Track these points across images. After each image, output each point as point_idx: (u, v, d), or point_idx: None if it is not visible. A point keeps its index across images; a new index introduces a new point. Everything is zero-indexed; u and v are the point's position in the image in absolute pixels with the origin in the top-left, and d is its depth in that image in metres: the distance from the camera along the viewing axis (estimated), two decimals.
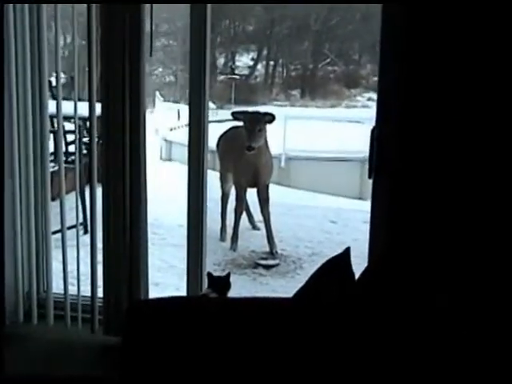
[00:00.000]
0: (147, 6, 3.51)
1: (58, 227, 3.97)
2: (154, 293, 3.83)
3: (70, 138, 6.00)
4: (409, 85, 2.96)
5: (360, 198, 8.30)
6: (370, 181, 3.21)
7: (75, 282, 3.94)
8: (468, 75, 2.87)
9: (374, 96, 3.24)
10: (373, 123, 3.15)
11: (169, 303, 2.76)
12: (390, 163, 3.06)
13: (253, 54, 14.36)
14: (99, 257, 3.77)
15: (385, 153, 3.10)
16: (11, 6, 3.65)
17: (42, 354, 3.73)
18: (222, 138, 7.28)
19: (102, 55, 3.52)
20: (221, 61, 14.16)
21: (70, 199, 4.04)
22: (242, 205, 6.94)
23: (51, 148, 4.09)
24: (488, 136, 2.87)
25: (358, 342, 2.22)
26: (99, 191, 3.68)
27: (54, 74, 3.88)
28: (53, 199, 4.02)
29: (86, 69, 3.67)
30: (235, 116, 6.80)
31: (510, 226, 2.85)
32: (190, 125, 3.70)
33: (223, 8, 12.19)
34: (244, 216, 7.07)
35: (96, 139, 3.76)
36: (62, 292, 3.93)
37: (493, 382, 2.07)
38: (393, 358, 2.14)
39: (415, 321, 2.18)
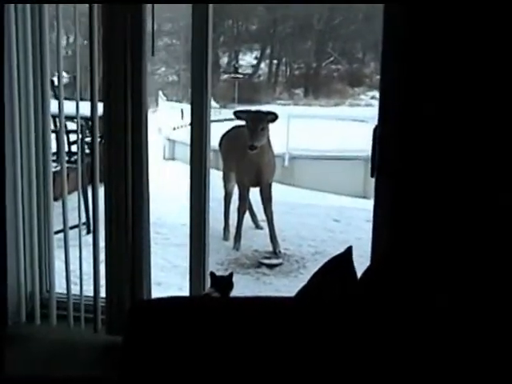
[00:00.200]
0: (149, 5, 3.52)
1: (61, 227, 3.97)
2: (156, 292, 3.83)
3: (73, 137, 6.00)
4: (411, 84, 2.95)
5: (364, 197, 8.29)
6: (373, 179, 3.21)
7: (78, 281, 3.94)
8: (470, 75, 2.86)
9: (378, 94, 3.24)
10: (376, 122, 3.14)
11: (171, 303, 2.75)
12: (393, 162, 3.06)
13: (256, 53, 14.37)
14: (102, 256, 3.77)
15: (387, 151, 3.09)
16: (13, 5, 3.65)
17: (45, 355, 3.73)
18: (225, 137, 7.29)
19: (104, 55, 3.52)
20: (224, 60, 14.17)
21: (73, 199, 4.04)
22: (244, 204, 6.94)
23: (53, 148, 4.08)
24: (489, 135, 2.87)
25: (359, 341, 2.22)
26: (101, 191, 3.68)
27: (57, 74, 3.88)
28: (55, 199, 4.02)
29: (89, 68, 3.68)
30: (237, 115, 6.79)
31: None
32: (192, 124, 3.70)
33: (226, 7, 12.21)
34: (247, 215, 7.07)
35: (98, 139, 3.76)
36: (65, 292, 3.93)
37: (493, 381, 2.07)
38: (395, 358, 2.14)
39: (417, 320, 2.18)
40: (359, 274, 2.47)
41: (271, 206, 6.80)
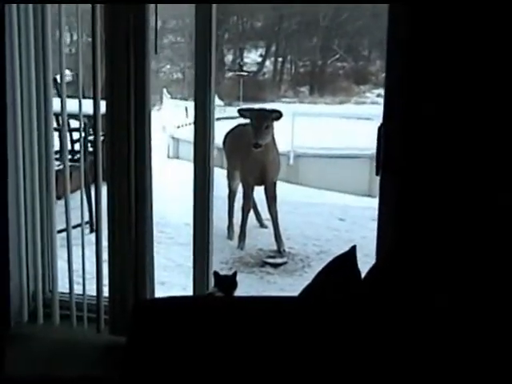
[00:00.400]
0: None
1: (63, 226, 3.97)
2: (160, 292, 3.84)
3: (76, 135, 6.00)
4: (416, 82, 2.95)
5: (369, 195, 8.28)
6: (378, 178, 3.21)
7: (81, 281, 3.95)
8: (476, 73, 2.86)
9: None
10: (381, 120, 3.14)
11: (174, 302, 2.76)
12: (398, 160, 3.05)
13: (261, 51, 14.36)
14: (105, 256, 3.78)
15: (392, 150, 3.09)
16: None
17: (47, 355, 3.73)
18: (229, 135, 7.28)
19: (107, 52, 3.53)
20: (229, 57, 14.16)
21: (75, 198, 4.04)
22: (249, 203, 6.93)
23: (56, 146, 4.09)
24: (495, 133, 2.86)
25: (363, 341, 2.21)
26: (104, 190, 3.69)
27: (60, 72, 3.88)
28: (58, 198, 4.03)
29: (91, 66, 3.68)
30: (242, 113, 6.79)
31: None
32: (195, 122, 3.70)
33: (231, 4, 12.19)
34: (251, 214, 7.06)
35: (101, 137, 3.76)
36: (68, 291, 3.94)
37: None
38: (399, 358, 2.13)
39: (422, 320, 2.17)
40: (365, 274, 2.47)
41: (276, 204, 6.80)
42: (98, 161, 3.77)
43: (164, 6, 3.69)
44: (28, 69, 3.74)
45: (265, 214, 7.08)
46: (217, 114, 3.82)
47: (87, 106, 3.84)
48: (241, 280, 3.57)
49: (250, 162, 6.73)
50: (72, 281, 3.93)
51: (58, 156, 4.15)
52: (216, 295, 3.41)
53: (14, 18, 3.66)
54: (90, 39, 3.66)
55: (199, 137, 3.69)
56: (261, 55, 14.36)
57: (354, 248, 2.49)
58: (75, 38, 4.15)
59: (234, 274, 3.56)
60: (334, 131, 10.45)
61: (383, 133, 3.12)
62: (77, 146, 5.98)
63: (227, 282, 3.51)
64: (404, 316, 2.20)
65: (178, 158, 11.17)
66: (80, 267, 3.95)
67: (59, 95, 4.00)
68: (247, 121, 6.69)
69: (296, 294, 2.58)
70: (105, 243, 3.75)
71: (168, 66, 14.56)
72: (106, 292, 3.78)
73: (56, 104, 3.88)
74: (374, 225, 3.24)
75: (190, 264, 3.85)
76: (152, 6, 3.54)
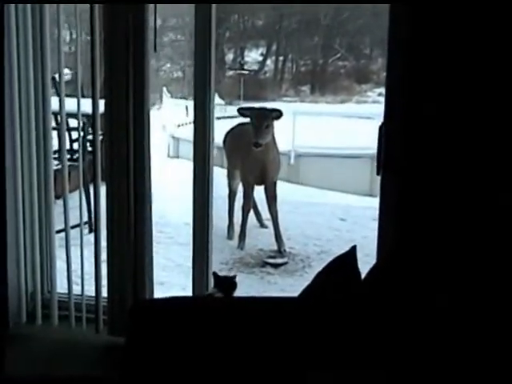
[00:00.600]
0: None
1: (62, 226, 3.97)
2: (159, 292, 3.84)
3: (75, 135, 6.01)
4: (417, 81, 2.95)
5: (370, 195, 8.27)
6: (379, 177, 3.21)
7: (79, 281, 3.95)
8: (478, 72, 2.86)
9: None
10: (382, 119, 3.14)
11: (173, 303, 2.75)
12: (399, 160, 3.05)
13: (262, 49, 14.35)
14: (103, 256, 3.77)
15: (393, 149, 3.09)
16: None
17: (46, 355, 3.73)
18: (229, 134, 7.27)
19: (106, 51, 3.53)
20: (229, 56, 14.15)
21: (74, 198, 4.03)
22: (249, 202, 6.92)
23: (55, 145, 4.08)
24: (496, 133, 2.86)
25: (363, 342, 2.21)
26: (103, 189, 3.68)
27: (58, 70, 3.88)
28: (56, 198, 4.02)
29: (90, 65, 3.67)
30: (242, 112, 6.77)
31: None
32: (195, 121, 3.70)
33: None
34: (251, 214, 7.05)
35: (100, 136, 3.76)
36: (66, 292, 3.94)
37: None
38: (399, 359, 2.13)
39: (423, 321, 2.17)
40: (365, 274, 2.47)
41: (276, 204, 6.79)
42: (97, 160, 3.77)
43: (163, 5, 3.68)
44: (26, 67, 3.73)
45: (265, 214, 7.07)
46: (217, 113, 3.82)
47: (86, 105, 3.83)
48: (241, 280, 3.57)
49: (250, 162, 6.73)
50: (71, 281, 3.93)
51: (56, 155, 4.15)
52: (216, 296, 3.41)
53: (12, 16, 3.65)
54: (89, 38, 3.66)
55: (199, 136, 3.69)
56: (262, 54, 14.35)
57: (354, 248, 2.49)
58: (74, 36, 4.14)
59: (234, 276, 3.55)
60: (335, 130, 10.44)
61: (384, 132, 3.12)
62: (75, 146, 5.98)
63: (227, 283, 3.51)
64: (405, 317, 2.20)
65: (178, 157, 11.16)
66: (79, 267, 3.95)
67: (58, 94, 3.99)
68: (248, 120, 6.68)
69: (297, 294, 2.57)
70: (104, 243, 3.75)
71: (168, 65, 14.55)
72: (104, 292, 3.78)
73: (55, 103, 3.88)
74: (376, 225, 3.24)
75: (190, 264, 3.84)
76: (151, 4, 3.54)
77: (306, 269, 6.25)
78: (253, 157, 6.62)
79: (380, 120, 3.15)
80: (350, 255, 2.48)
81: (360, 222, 7.41)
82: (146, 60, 3.47)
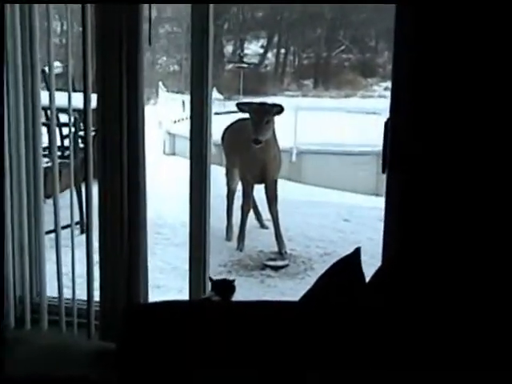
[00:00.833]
0: None
1: (52, 227, 3.97)
2: (155, 296, 3.84)
3: (65, 131, 6.00)
4: (425, 74, 2.94)
5: (376, 195, 8.27)
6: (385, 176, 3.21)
7: (70, 284, 3.95)
8: (490, 67, 2.86)
9: None
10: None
11: (169, 307, 2.75)
12: (405, 157, 3.05)
13: (263, 42, 14.36)
14: (96, 258, 3.77)
15: (400, 146, 3.08)
16: None
17: (34, 361, 3.72)
18: (228, 130, 7.25)
19: (98, 43, 3.52)
20: (228, 48, 14.17)
21: (65, 197, 4.04)
22: (249, 202, 6.92)
23: (45, 142, 4.08)
24: (508, 130, 2.86)
25: (366, 348, 2.21)
26: (96, 188, 3.68)
27: (48, 63, 3.88)
28: (46, 197, 4.02)
29: (82, 57, 3.67)
30: (241, 107, 6.74)
31: None
32: (192, 117, 3.70)
33: None
34: (251, 214, 7.05)
35: (92, 133, 3.76)
36: (57, 295, 3.94)
37: None
38: (403, 365, 2.13)
39: (428, 326, 2.17)
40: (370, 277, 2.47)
41: (277, 204, 6.78)
42: (89, 157, 3.77)
43: None
44: (14, 60, 3.73)
45: (265, 214, 7.07)
46: (215, 109, 3.82)
47: (77, 100, 3.84)
48: (239, 283, 3.57)
49: (249, 159, 6.72)
50: (61, 284, 3.94)
51: (46, 152, 4.15)
52: (213, 300, 3.41)
53: None
54: (80, 29, 3.65)
55: (196, 132, 3.69)
56: (262, 46, 14.37)
57: (358, 250, 2.49)
58: (65, 27, 4.14)
59: (233, 280, 3.55)
60: (339, 126, 10.45)
61: (390, 128, 3.11)
62: (66, 142, 5.97)
63: (225, 286, 3.50)
64: (410, 322, 2.20)
65: (174, 154, 11.18)
66: (69, 270, 3.96)
67: (48, 88, 4.00)
68: (248, 115, 6.67)
69: (298, 298, 2.57)
70: (96, 244, 3.75)
71: (164, 58, 14.57)
72: (96, 296, 3.78)
73: (44, 97, 3.88)
74: (382, 226, 3.24)
75: (187, 266, 3.85)
76: None
77: (307, 272, 6.24)
78: (252, 154, 6.61)
79: (386, 115, 3.15)
80: (354, 257, 2.47)
81: (365, 223, 7.41)
82: (141, 53, 3.48)
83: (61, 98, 3.96)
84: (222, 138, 7.26)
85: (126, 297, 3.66)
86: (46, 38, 3.79)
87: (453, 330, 2.17)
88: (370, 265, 2.53)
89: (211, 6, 3.58)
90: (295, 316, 2.46)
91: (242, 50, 14.17)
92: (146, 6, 3.54)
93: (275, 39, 14.42)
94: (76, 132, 5.39)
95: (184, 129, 8.99)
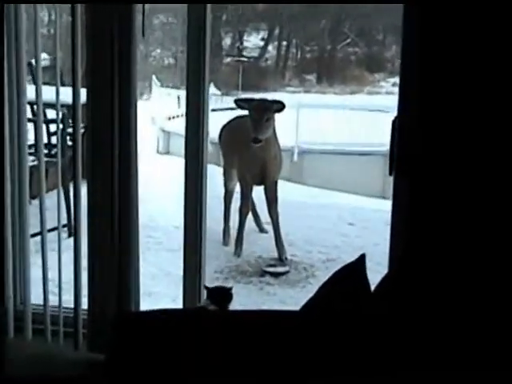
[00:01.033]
0: None
1: (38, 229, 3.97)
2: (146, 304, 3.83)
3: (53, 127, 6.00)
4: (435, 70, 2.94)
5: (383, 197, 8.28)
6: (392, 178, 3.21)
7: (56, 291, 3.94)
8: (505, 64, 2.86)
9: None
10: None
11: (161, 316, 2.75)
12: (414, 158, 3.05)
13: (263, 34, 14.36)
14: (84, 263, 3.77)
15: (408, 146, 3.09)
16: None
17: (18, 373, 3.72)
18: (225, 128, 7.25)
19: (89, 34, 3.52)
20: (227, 41, 14.16)
21: (52, 197, 4.04)
22: (247, 204, 6.92)
23: (30, 139, 4.08)
24: None
25: (371, 359, 2.21)
26: (84, 188, 3.68)
27: (35, 55, 3.87)
28: (32, 197, 4.02)
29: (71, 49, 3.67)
30: (239, 104, 6.74)
31: None
32: (187, 114, 3.71)
33: None
34: (250, 217, 7.05)
35: (81, 130, 3.76)
36: (42, 303, 3.93)
37: None
38: (410, 378, 2.13)
39: (436, 336, 2.17)
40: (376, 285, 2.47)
41: (277, 206, 6.78)
42: (78, 156, 3.76)
43: None
44: None
45: (265, 217, 7.08)
46: (212, 105, 3.83)
47: (66, 95, 3.84)
48: (237, 291, 3.57)
49: (248, 159, 6.72)
50: (47, 291, 3.93)
51: (32, 150, 4.15)
52: (209, 308, 3.40)
53: None
54: (69, 19, 3.65)
55: (192, 130, 3.69)
56: (263, 39, 14.37)
57: (363, 257, 2.49)
58: (53, 17, 4.14)
59: (230, 288, 3.55)
60: (344, 125, 10.46)
61: (398, 127, 3.12)
62: (54, 140, 5.99)
63: (221, 294, 3.50)
64: (417, 332, 2.20)
65: (168, 153, 11.19)
66: (56, 275, 3.95)
67: (34, 82, 3.99)
68: (247, 112, 6.66)
69: (299, 307, 2.57)
70: (84, 249, 3.74)
71: (158, 50, 14.56)
72: (84, 304, 3.78)
73: (31, 92, 3.88)
74: (388, 230, 3.25)
75: (181, 273, 3.84)
76: None
77: (309, 279, 6.25)
78: (251, 154, 6.61)
79: (394, 113, 3.16)
80: (359, 264, 2.48)
81: (371, 227, 7.42)
82: (134, 44, 3.48)
83: (48, 93, 3.96)
84: (220, 137, 7.27)
85: (115, 305, 3.66)
86: (33, 29, 3.78)
87: (461, 342, 2.17)
88: (376, 272, 2.53)
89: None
90: (296, 326, 2.46)
91: (242, 43, 14.18)
92: None
93: (276, 31, 14.42)
94: (64, 129, 5.38)
95: (179, 126, 8.99)
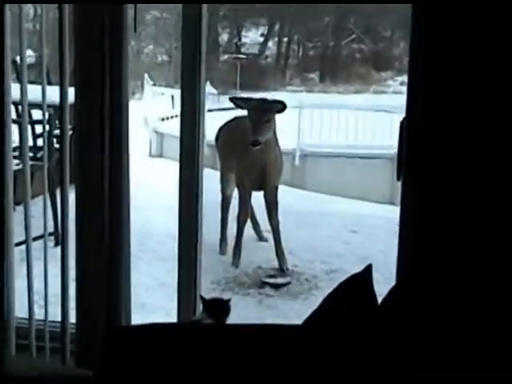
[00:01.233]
0: None
1: (23, 238, 3.96)
2: (138, 317, 3.83)
3: (39, 129, 6.00)
4: (445, 69, 2.95)
5: (391, 203, 8.29)
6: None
7: (42, 303, 3.94)
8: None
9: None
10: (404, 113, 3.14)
11: (154, 330, 2.75)
12: (424, 162, 3.05)
13: (263, 29, 14.40)
14: (72, 273, 3.77)
15: (417, 149, 3.08)
16: None
17: None
18: (223, 129, 7.24)
19: (77, 30, 3.53)
20: (224, 37, 14.20)
21: (38, 204, 4.04)
22: (246, 211, 6.92)
23: (15, 141, 4.08)
24: None
25: (379, 377, 2.21)
26: (72, 194, 3.68)
27: (20, 52, 3.88)
28: (17, 204, 4.02)
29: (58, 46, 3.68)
30: (237, 103, 6.73)
31: None
32: (182, 114, 3.71)
33: None
34: (248, 224, 7.05)
35: (69, 131, 3.76)
36: (26, 316, 3.93)
37: None
38: None
39: (448, 352, 2.17)
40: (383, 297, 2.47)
41: (277, 213, 6.78)
42: (65, 159, 3.76)
43: None
44: None
45: (264, 225, 7.08)
46: (209, 105, 3.83)
47: (53, 94, 3.84)
48: (235, 303, 3.57)
49: (247, 163, 6.72)
50: (32, 303, 3.93)
51: (16, 153, 4.14)
52: (205, 322, 3.40)
53: None
54: (57, 13, 3.65)
55: (187, 131, 3.70)
56: (262, 35, 14.41)
57: (369, 267, 2.49)
58: (39, 11, 4.15)
59: (228, 300, 3.55)
60: (349, 126, 10.47)
61: (406, 128, 3.11)
62: (40, 142, 5.98)
63: (218, 307, 3.50)
64: (426, 348, 2.20)
65: (161, 156, 11.21)
66: (42, 287, 3.94)
67: (19, 80, 3.99)
68: (246, 113, 6.66)
69: (301, 321, 2.57)
70: (72, 258, 3.74)
71: (151, 47, 14.60)
72: (72, 317, 3.78)
73: (15, 91, 3.88)
74: (396, 239, 3.24)
75: (175, 283, 3.84)
76: None
77: (312, 291, 6.25)
78: (250, 157, 6.61)
79: (402, 113, 3.16)
80: (366, 275, 2.48)
81: (377, 236, 7.42)
82: (125, 40, 3.48)
83: (34, 92, 3.96)
84: (217, 139, 7.26)
85: (105, 318, 3.66)
86: (18, 24, 3.78)
87: (472, 359, 2.17)
88: (382, 283, 2.53)
89: None
90: (299, 340, 2.45)
91: (240, 39, 14.22)
92: None
93: (277, 27, 14.47)
94: (51, 130, 5.40)
95: (173, 127, 9.01)
